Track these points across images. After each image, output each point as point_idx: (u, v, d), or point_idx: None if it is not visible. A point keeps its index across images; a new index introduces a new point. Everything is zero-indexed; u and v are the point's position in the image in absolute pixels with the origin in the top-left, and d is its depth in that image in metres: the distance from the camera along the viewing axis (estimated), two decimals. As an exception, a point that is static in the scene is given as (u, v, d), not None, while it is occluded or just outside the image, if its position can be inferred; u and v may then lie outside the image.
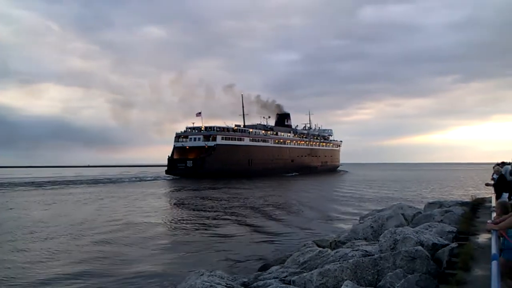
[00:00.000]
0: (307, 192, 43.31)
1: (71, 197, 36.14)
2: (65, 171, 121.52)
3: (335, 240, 11.73)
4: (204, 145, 75.45)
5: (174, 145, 78.02)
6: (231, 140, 79.91)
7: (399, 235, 8.01)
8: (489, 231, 5.99)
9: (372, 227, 11.93)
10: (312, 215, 24.36)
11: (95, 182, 61.71)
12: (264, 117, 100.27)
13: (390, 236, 8.13)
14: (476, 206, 13.55)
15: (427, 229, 9.10)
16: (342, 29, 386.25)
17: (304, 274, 7.63)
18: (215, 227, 19.95)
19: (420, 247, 7.20)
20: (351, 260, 7.36)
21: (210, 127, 78.83)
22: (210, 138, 76.20)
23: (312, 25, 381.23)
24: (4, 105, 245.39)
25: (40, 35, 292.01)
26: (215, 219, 22.75)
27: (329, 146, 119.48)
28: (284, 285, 7.39)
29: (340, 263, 7.37)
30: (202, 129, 78.28)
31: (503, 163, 18.47)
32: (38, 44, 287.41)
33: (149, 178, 72.46)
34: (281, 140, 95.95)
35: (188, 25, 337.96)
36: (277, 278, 8.22)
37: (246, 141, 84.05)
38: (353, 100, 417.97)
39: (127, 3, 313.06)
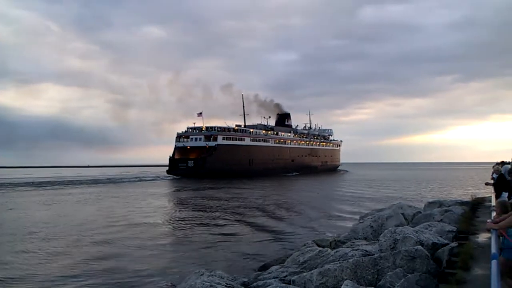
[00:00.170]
0: (308, 192, 43.33)
1: (70, 197, 36.13)
2: (65, 171, 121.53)
3: (335, 240, 11.73)
4: (205, 145, 75.68)
5: (175, 145, 78.32)
6: (232, 140, 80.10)
7: (399, 235, 8.02)
8: (488, 231, 6.00)
9: (372, 226, 11.94)
10: (312, 214, 24.36)
11: (95, 182, 61.70)
12: (264, 117, 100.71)
13: (390, 236, 8.13)
14: (476, 205, 13.56)
15: (427, 229, 9.10)
16: (341, 29, 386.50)
17: (304, 273, 7.64)
18: (215, 227, 19.95)
19: (420, 247, 7.21)
20: (351, 260, 7.36)
21: (211, 127, 79.06)
22: (211, 138, 76.42)
23: (312, 25, 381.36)
24: (3, 105, 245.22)
25: (39, 35, 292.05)
26: (215, 218, 22.75)
27: (329, 146, 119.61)
28: (284, 284, 7.39)
29: (340, 263, 7.37)
30: (203, 129, 78.55)
31: (503, 163, 18.48)
32: (38, 44, 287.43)
33: (150, 178, 72.54)
34: (282, 140, 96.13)
35: (188, 25, 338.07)
36: (277, 277, 8.22)
37: (247, 141, 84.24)
38: (353, 100, 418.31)
39: (127, 3, 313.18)
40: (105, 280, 10.98)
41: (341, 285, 6.44)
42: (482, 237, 8.28)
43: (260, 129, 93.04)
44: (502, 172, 11.48)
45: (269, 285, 7.54)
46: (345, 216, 23.67)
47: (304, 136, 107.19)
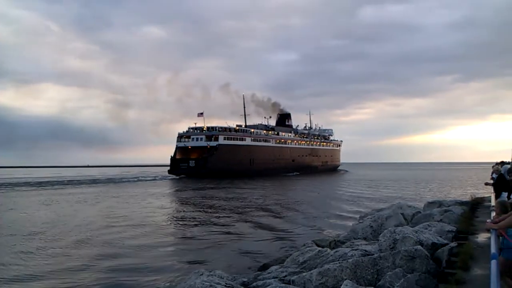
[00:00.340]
0: (308, 192, 43.33)
1: (71, 197, 36.11)
2: (65, 171, 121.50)
3: (334, 240, 11.73)
4: (206, 145, 75.92)
5: (176, 145, 78.67)
6: (233, 140, 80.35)
7: (399, 235, 8.02)
8: (488, 231, 5.99)
9: (372, 226, 11.94)
10: (312, 214, 24.36)
11: (95, 182, 61.69)
12: (265, 117, 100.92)
13: (390, 236, 8.13)
14: (476, 205, 13.57)
15: (426, 229, 9.11)
16: (341, 29, 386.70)
17: (304, 273, 7.63)
18: (216, 226, 19.94)
19: (419, 247, 7.21)
20: (350, 260, 7.36)
21: (212, 127, 79.40)
22: (212, 138, 76.69)
23: (312, 25, 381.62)
24: (3, 105, 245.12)
25: (39, 35, 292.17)
26: (215, 218, 22.74)
27: (329, 146, 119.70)
28: (283, 284, 7.38)
29: (339, 263, 7.37)
30: (204, 129, 78.90)
31: (503, 163, 18.49)
32: (38, 44, 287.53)
33: (151, 178, 72.59)
34: (282, 140, 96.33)
35: (188, 25, 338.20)
36: (276, 277, 8.21)
37: (248, 141, 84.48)
38: (353, 100, 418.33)
39: (127, 3, 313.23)
40: (104, 279, 10.98)
41: (341, 285, 6.44)
42: (482, 237, 8.28)
43: (261, 129, 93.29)
44: (502, 172, 11.50)
45: (269, 285, 7.54)
46: (345, 215, 23.70)
47: (305, 136, 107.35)
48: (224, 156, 74.72)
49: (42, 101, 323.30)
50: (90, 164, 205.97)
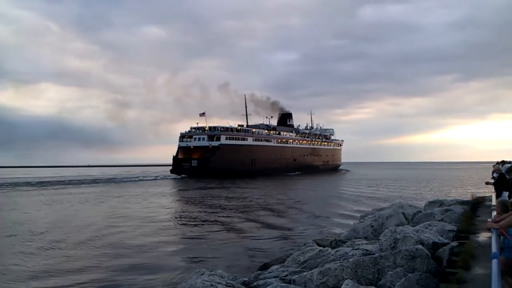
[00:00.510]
0: (309, 191, 43.35)
1: (71, 197, 36.12)
2: (65, 171, 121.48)
3: (335, 239, 11.73)
4: (208, 145, 76.13)
5: (178, 145, 78.95)
6: (235, 140, 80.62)
7: (400, 234, 8.02)
8: (489, 230, 5.99)
9: (372, 226, 11.94)
10: (313, 213, 24.37)
11: (98, 182, 61.67)
12: (266, 117, 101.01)
13: (391, 235, 8.13)
14: (476, 205, 13.55)
15: (427, 228, 9.10)
16: (341, 29, 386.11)
17: (305, 273, 7.64)
18: (217, 226, 19.94)
19: (420, 246, 7.20)
20: (351, 259, 7.36)
21: (214, 127, 79.70)
22: (214, 138, 76.99)
23: (311, 25, 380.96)
24: (2, 105, 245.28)
25: (39, 35, 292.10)
26: (216, 218, 22.75)
27: (330, 146, 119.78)
28: (284, 284, 7.38)
29: (340, 262, 7.37)
30: (206, 129, 79.23)
31: (503, 162, 18.47)
32: (38, 44, 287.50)
33: (153, 178, 72.70)
34: (284, 140, 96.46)
35: (188, 25, 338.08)
36: (277, 277, 8.21)
37: (250, 141, 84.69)
38: (353, 100, 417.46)
39: (127, 3, 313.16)
40: (104, 278, 11.00)
41: (342, 285, 6.44)
42: (483, 236, 8.27)
43: (263, 129, 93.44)
44: (503, 171, 11.48)
45: (270, 284, 7.54)
46: (345, 214, 23.71)
47: (306, 136, 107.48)
48: (226, 156, 74.95)
49: (42, 101, 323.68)
50: (91, 164, 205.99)
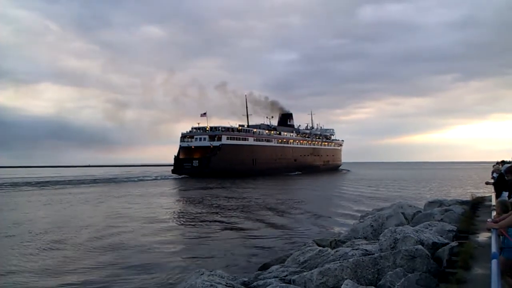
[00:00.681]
0: (310, 191, 43.34)
1: (72, 197, 36.12)
2: (65, 171, 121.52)
3: (335, 239, 11.72)
4: (209, 145, 76.43)
5: (180, 145, 79.35)
6: (236, 140, 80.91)
7: (399, 234, 8.01)
8: (489, 230, 5.99)
9: (372, 226, 11.93)
10: (313, 213, 24.37)
11: (98, 182, 61.68)
12: (267, 117, 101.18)
13: (390, 235, 8.13)
14: (476, 205, 13.55)
15: (427, 228, 9.10)
16: (340, 29, 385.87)
17: (304, 273, 7.63)
18: (217, 226, 19.95)
19: (420, 246, 7.20)
20: (351, 259, 7.36)
21: (215, 127, 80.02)
22: (216, 138, 77.33)
23: (311, 24, 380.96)
24: (2, 105, 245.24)
25: (39, 35, 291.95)
26: (217, 218, 22.76)
27: (331, 146, 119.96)
28: (284, 284, 7.38)
29: (340, 262, 7.37)
30: (207, 129, 79.52)
31: (503, 162, 18.47)
32: (37, 44, 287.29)
33: (154, 178, 72.80)
34: (284, 140, 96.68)
35: (187, 24, 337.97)
36: (277, 277, 8.21)
37: (251, 141, 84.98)
38: (353, 100, 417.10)
39: (126, 3, 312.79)
40: (104, 278, 11.00)
41: (341, 285, 6.44)
42: (483, 236, 8.27)
43: (263, 129, 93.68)
44: (502, 171, 11.47)
45: (269, 284, 7.54)
46: (345, 214, 23.72)
47: (306, 136, 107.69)
48: (227, 156, 75.20)
49: (42, 101, 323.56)
50: (90, 164, 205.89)
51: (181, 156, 77.35)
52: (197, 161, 74.15)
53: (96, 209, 27.40)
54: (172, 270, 11.80)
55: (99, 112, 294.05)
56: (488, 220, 5.68)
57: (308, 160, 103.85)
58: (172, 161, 79.39)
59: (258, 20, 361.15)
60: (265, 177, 72.27)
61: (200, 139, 78.43)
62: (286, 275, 8.21)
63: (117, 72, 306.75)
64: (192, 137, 79.52)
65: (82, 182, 60.83)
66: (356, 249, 8.56)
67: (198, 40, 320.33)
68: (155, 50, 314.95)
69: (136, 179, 68.53)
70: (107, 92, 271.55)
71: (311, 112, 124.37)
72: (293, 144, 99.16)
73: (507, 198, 8.67)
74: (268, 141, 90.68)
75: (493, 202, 10.09)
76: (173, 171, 76.93)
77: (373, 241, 10.27)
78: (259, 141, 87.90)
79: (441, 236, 8.48)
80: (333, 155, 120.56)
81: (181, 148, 78.73)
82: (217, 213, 25.02)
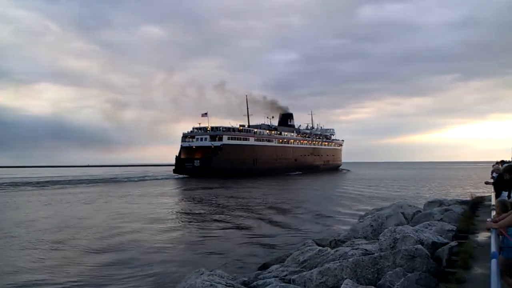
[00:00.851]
0: (310, 191, 43.35)
1: (71, 197, 36.10)
2: (65, 171, 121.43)
3: (334, 239, 11.73)
4: (210, 145, 76.71)
5: (181, 145, 79.63)
6: (237, 140, 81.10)
7: (399, 234, 8.02)
8: (488, 230, 5.99)
9: (372, 226, 11.94)
10: (313, 213, 24.38)
11: (97, 182, 61.65)
12: (267, 117, 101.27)
13: (390, 235, 8.13)
14: (476, 204, 13.56)
15: (426, 228, 9.10)
16: (340, 29, 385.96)
17: (304, 273, 7.64)
18: (217, 226, 19.94)
19: (420, 246, 7.20)
20: (351, 259, 7.36)
21: (216, 127, 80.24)
22: (217, 138, 77.57)
23: (311, 24, 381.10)
24: (1, 105, 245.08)
25: (39, 35, 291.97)
26: (217, 217, 22.76)
27: (331, 146, 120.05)
28: (284, 284, 7.38)
29: (340, 262, 7.37)
30: (209, 129, 79.76)
31: (503, 162, 18.48)
32: (37, 44, 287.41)
33: (155, 178, 72.86)
34: (285, 140, 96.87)
35: (187, 24, 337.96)
36: (277, 277, 8.22)
37: (251, 141, 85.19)
38: (353, 99, 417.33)
39: (126, 3, 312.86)
40: (102, 277, 10.99)
41: (341, 284, 6.44)
42: (482, 236, 8.28)
43: (264, 129, 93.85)
44: (502, 171, 11.47)
45: (269, 284, 7.54)
46: (345, 214, 23.72)
47: (307, 136, 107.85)
48: (228, 156, 75.41)
49: (41, 101, 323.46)
50: (90, 164, 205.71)
51: (182, 156, 77.59)
52: (198, 161, 74.37)
53: (96, 209, 27.39)
54: (172, 270, 11.81)
55: (99, 112, 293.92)
56: (488, 219, 5.67)
57: (309, 160, 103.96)
58: (172, 161, 79.70)
59: (258, 20, 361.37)
60: (266, 177, 72.41)
61: (201, 139, 78.67)
62: (286, 275, 8.22)
63: (117, 72, 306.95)
64: (193, 137, 79.77)
65: (82, 182, 60.81)
66: (356, 249, 8.57)
67: (198, 40, 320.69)
68: (155, 50, 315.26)
69: (136, 179, 68.52)
70: (107, 92, 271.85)
71: (311, 112, 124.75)
72: (293, 144, 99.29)
73: (506, 198, 8.67)
74: (268, 141, 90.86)
75: (493, 201, 10.09)
76: (174, 171, 77.20)
77: (373, 240, 10.28)
78: (260, 141, 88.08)
79: (441, 235, 8.49)
80: (333, 155, 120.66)
81: (182, 148, 78.99)
82: (217, 212, 25.03)
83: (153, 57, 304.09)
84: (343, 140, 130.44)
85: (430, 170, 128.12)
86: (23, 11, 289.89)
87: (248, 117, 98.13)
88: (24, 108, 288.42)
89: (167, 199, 34.96)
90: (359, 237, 11.46)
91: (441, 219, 11.23)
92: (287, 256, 10.41)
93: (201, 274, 8.15)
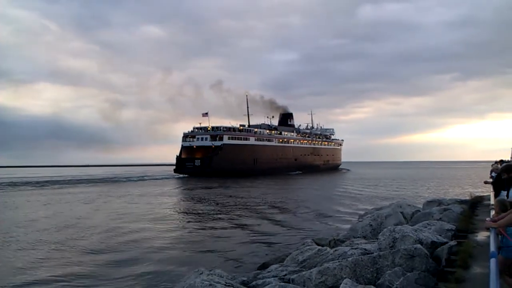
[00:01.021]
0: (310, 190, 43.39)
1: (71, 197, 36.06)
2: (65, 171, 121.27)
3: (334, 239, 11.73)
4: (211, 144, 76.91)
5: (182, 145, 79.82)
6: (237, 139, 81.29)
7: (398, 233, 8.01)
8: (487, 229, 5.99)
9: (371, 225, 11.94)
10: (313, 212, 24.39)
11: (97, 182, 61.63)
12: (267, 117, 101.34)
13: (389, 235, 8.13)
14: (475, 204, 13.56)
15: (426, 227, 9.10)
16: (340, 28, 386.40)
17: (304, 272, 7.64)
18: (216, 225, 19.94)
19: (419, 245, 7.20)
20: (350, 259, 7.36)
21: (217, 127, 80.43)
22: (217, 138, 77.75)
23: (311, 24, 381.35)
24: (1, 105, 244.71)
25: (38, 35, 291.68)
26: (217, 217, 22.75)
27: (331, 145, 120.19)
28: (283, 283, 7.38)
29: (339, 262, 7.37)
30: (209, 129, 79.93)
31: (502, 161, 18.49)
32: (37, 43, 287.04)
33: (155, 178, 72.88)
34: (285, 140, 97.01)
35: (187, 24, 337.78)
36: (276, 276, 8.22)
37: (252, 141, 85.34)
38: (352, 99, 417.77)
39: (126, 3, 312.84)
40: (102, 279, 10.98)
41: (340, 284, 6.44)
42: (481, 235, 8.28)
43: (264, 128, 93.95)
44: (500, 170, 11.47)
45: (269, 284, 7.54)
46: (345, 213, 23.73)
47: (307, 136, 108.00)
48: (228, 156, 75.58)
49: (41, 101, 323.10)
50: (89, 164, 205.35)
51: (183, 156, 77.80)
52: (199, 160, 74.57)
53: (95, 209, 27.37)
54: (171, 269, 11.81)
55: (98, 112, 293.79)
56: (487, 219, 5.67)
57: (309, 160, 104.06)
58: (172, 161, 79.91)
59: (258, 20, 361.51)
60: (266, 177, 72.53)
61: (202, 138, 78.87)
62: (285, 274, 8.22)
63: (116, 72, 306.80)
64: (194, 136, 80.00)
65: (81, 181, 60.77)
66: (355, 248, 8.57)
67: (198, 40, 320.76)
68: (155, 50, 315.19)
69: (136, 179, 68.49)
70: (106, 92, 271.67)
71: (311, 112, 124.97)
72: (293, 143, 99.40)
73: (505, 197, 8.67)
74: (269, 140, 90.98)
75: (492, 201, 10.09)
76: (175, 171, 77.36)
77: (372, 240, 10.28)
78: (260, 140, 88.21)
79: (440, 235, 8.49)
80: (333, 155, 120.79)
81: (183, 147, 79.19)
82: (217, 212, 25.02)
83: (153, 57, 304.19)
84: (342, 140, 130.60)
85: (429, 169, 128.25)
86: (23, 11, 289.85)
87: (248, 116, 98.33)
88: (23, 108, 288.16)
89: (167, 198, 34.95)
90: (358, 237, 11.46)
91: (440, 218, 11.23)
92: (287, 256, 10.41)
93: (201, 273, 8.15)
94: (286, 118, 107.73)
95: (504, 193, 10.31)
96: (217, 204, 29.45)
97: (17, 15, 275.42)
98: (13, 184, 54.69)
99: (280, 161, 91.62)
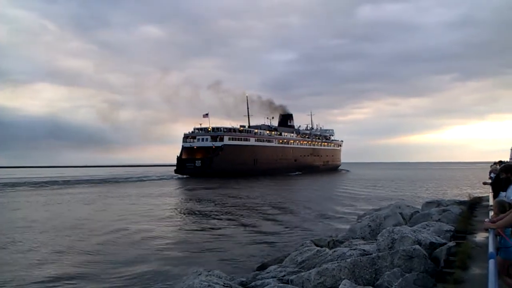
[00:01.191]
0: (310, 191, 43.39)
1: (70, 197, 36.05)
2: (63, 171, 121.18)
3: (333, 239, 11.72)
4: (211, 145, 77.15)
5: (182, 145, 79.97)
6: (238, 140, 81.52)
7: (397, 234, 8.01)
8: (486, 230, 5.99)
9: (370, 226, 11.94)
10: (313, 213, 24.39)
11: (97, 182, 61.57)
12: (267, 118, 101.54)
13: (388, 235, 8.13)
14: (474, 205, 13.56)
15: (424, 228, 9.10)
16: (339, 29, 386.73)
17: (302, 273, 7.63)
18: (216, 226, 19.94)
19: (417, 246, 7.20)
20: (349, 259, 7.36)
21: (217, 128, 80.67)
22: (218, 139, 77.98)
23: (310, 24, 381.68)
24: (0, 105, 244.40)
25: (37, 35, 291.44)
26: (217, 217, 22.75)
27: (330, 146, 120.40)
28: (282, 284, 7.38)
29: (338, 262, 7.37)
30: (210, 129, 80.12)
31: (501, 162, 18.50)
32: (35, 43, 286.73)
33: (156, 178, 72.93)
34: (285, 140, 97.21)
35: (186, 24, 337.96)
36: (275, 277, 8.21)
37: (252, 141, 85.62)
38: (351, 100, 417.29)
39: (125, 3, 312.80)
40: (102, 279, 10.97)
41: (339, 285, 6.43)
42: (480, 236, 8.28)
43: (264, 129, 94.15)
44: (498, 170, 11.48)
45: (267, 284, 7.54)
46: (344, 214, 23.73)
47: (306, 136, 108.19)
48: (229, 156, 75.78)
49: (39, 101, 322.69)
50: (88, 164, 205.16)
51: (183, 157, 77.94)
52: (199, 161, 74.75)
53: (94, 209, 27.35)
54: (170, 270, 11.79)
55: (97, 112, 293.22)
56: (486, 220, 5.67)
57: (308, 160, 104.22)
58: (172, 161, 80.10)
59: (258, 20, 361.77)
60: (266, 177, 72.66)
61: (203, 139, 79.10)
62: (284, 275, 8.21)
63: (115, 72, 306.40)
64: (194, 137, 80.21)
65: (80, 182, 60.72)
66: (354, 249, 8.56)
67: (197, 40, 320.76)
68: (154, 50, 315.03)
69: (136, 179, 68.46)
70: (105, 92, 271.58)
71: (311, 112, 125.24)
72: (293, 144, 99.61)
73: (504, 198, 8.67)
74: (269, 141, 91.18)
75: (491, 202, 10.09)
76: (176, 171, 77.48)
77: (371, 241, 10.27)
78: (261, 141, 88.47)
79: (439, 236, 8.48)
80: (332, 155, 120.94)
81: (183, 148, 79.34)
82: (216, 212, 25.01)
83: (152, 57, 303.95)
84: (342, 141, 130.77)
85: (428, 170, 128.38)
86: (22, 11, 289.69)
87: (248, 117, 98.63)
88: (21, 108, 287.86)
89: (167, 199, 34.94)
90: (357, 238, 11.46)
91: (439, 219, 11.23)
92: (285, 257, 10.40)
93: (199, 274, 8.14)
94: (286, 119, 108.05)
95: (503, 194, 10.31)
96: (217, 204, 29.45)
97: (16, 15, 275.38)
98: (12, 185, 54.62)
99: (280, 162, 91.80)
